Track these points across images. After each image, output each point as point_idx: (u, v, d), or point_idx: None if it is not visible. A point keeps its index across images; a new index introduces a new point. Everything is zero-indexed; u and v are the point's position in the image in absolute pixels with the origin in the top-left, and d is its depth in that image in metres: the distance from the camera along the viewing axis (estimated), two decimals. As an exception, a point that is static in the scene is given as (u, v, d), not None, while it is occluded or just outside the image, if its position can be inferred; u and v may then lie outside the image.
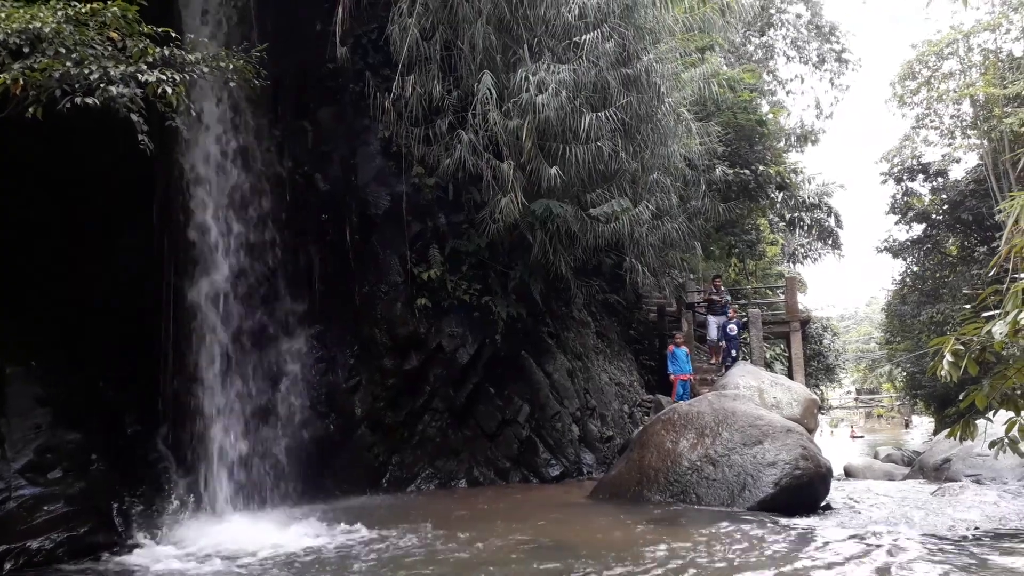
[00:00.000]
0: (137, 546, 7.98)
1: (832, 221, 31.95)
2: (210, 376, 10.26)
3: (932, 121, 32.01)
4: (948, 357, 6.19)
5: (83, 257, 9.70)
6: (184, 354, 10.28)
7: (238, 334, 10.74)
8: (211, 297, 10.51)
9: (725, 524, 7.96)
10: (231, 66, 8.95)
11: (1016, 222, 6.16)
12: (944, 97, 30.46)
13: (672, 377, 17.06)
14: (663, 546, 7.01)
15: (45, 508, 7.54)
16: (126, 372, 9.91)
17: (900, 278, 34.76)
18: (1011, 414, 6.64)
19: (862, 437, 42.32)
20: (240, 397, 10.51)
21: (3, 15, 7.25)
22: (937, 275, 32.26)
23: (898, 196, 33.37)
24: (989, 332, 5.96)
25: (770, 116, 26.63)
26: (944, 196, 31.42)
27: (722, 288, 19.93)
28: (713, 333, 19.28)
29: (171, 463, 9.96)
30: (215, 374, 10.30)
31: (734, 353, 18.96)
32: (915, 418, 49.92)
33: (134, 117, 7.42)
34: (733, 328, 19.05)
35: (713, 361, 19.45)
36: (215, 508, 9.72)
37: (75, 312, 9.47)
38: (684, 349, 17.50)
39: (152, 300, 10.36)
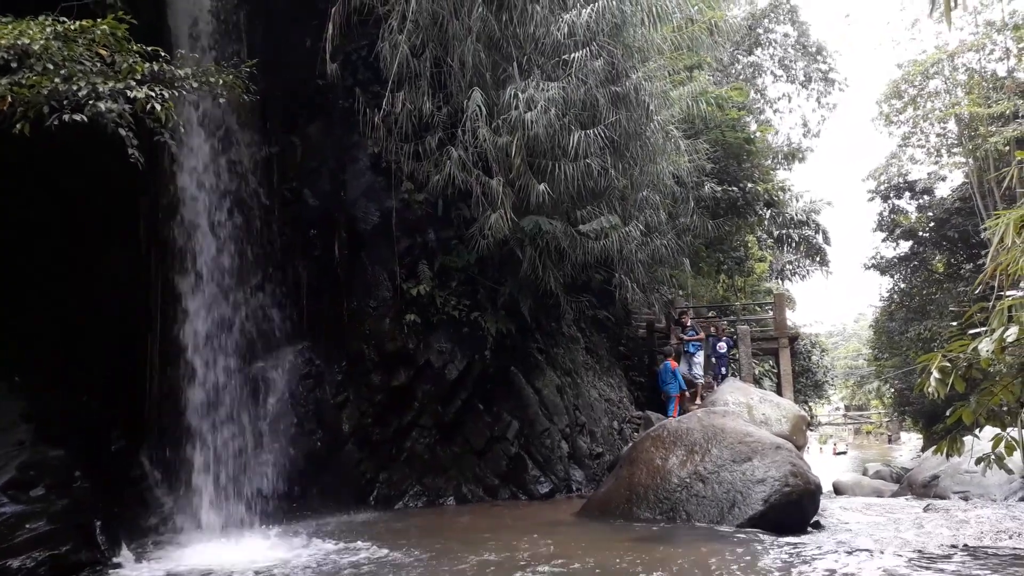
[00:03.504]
0: (121, 565, 7.86)
1: (820, 238, 32.16)
2: (196, 392, 10.17)
3: (918, 139, 32.40)
4: (935, 374, 6.20)
5: (69, 271, 9.62)
6: (169, 370, 10.20)
7: (225, 349, 10.67)
8: (198, 312, 10.44)
9: (714, 542, 7.93)
10: (220, 82, 8.96)
11: (1002, 240, 6.19)
12: (930, 116, 30.85)
13: (674, 395, 17.16)
14: (652, 565, 6.98)
15: (27, 526, 7.42)
16: (111, 388, 9.81)
17: (887, 295, 35.05)
18: (998, 430, 6.65)
19: (845, 453, 42.42)
20: (226, 413, 10.42)
21: (-9, 30, 7.24)
22: (924, 292, 32.52)
23: (885, 213, 33.71)
24: (976, 349, 5.97)
25: (758, 134, 26.84)
26: (930, 214, 31.74)
27: (689, 323, 19.63)
28: (685, 369, 18.62)
29: (156, 480, 9.86)
30: (201, 389, 10.22)
31: (723, 371, 18.94)
32: (902, 434, 50.08)
33: (123, 132, 7.39)
34: (722, 347, 19.06)
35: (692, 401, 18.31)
36: (200, 526, 9.61)
37: (60, 327, 9.39)
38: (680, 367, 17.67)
39: (138, 314, 10.29)
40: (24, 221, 9.19)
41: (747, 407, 15.41)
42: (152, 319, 10.33)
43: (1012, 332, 5.66)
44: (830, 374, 40.76)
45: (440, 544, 8.41)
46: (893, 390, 37.02)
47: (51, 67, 7.27)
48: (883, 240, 34.06)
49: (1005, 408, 6.62)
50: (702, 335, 19.40)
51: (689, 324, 19.46)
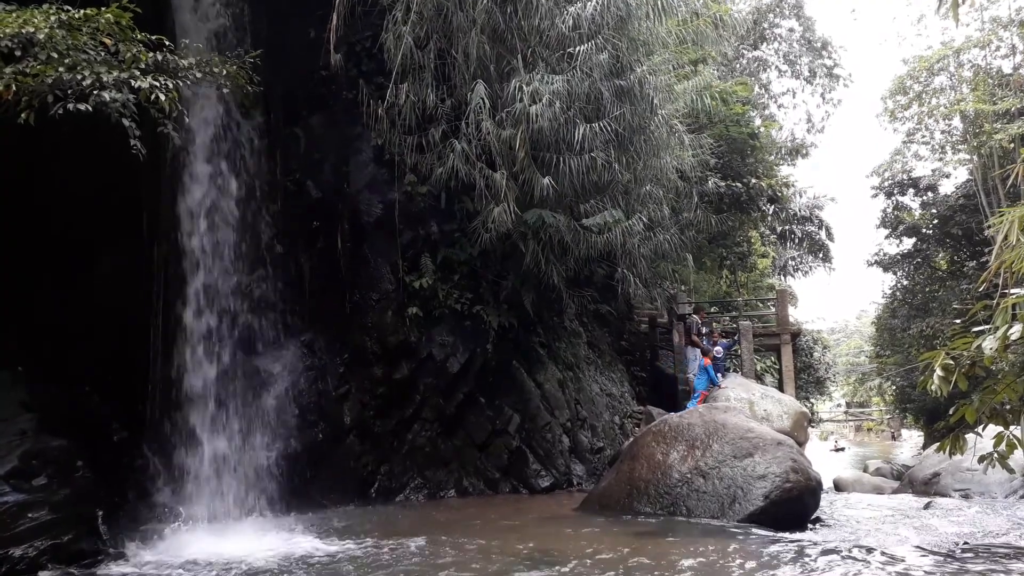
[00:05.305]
0: (122, 554, 7.89)
1: (823, 234, 32.06)
2: (198, 383, 10.18)
3: (923, 136, 32.24)
4: (938, 371, 6.19)
5: (72, 262, 9.63)
6: (172, 361, 10.21)
7: (227, 341, 10.67)
8: (200, 303, 10.44)
9: (714, 538, 7.94)
10: (224, 72, 8.95)
11: (1005, 237, 6.17)
12: (935, 112, 30.69)
13: (700, 390, 17.13)
14: (651, 560, 6.98)
15: (29, 515, 7.44)
16: (113, 379, 9.83)
17: (890, 292, 34.93)
18: (1000, 429, 6.65)
19: (843, 450, 42.41)
20: (228, 405, 10.43)
21: (-5, 19, 7.23)
22: (927, 289, 32.43)
23: (888, 210, 33.59)
24: (979, 347, 5.96)
25: (762, 129, 26.73)
26: (934, 211, 31.66)
27: (706, 318, 19.90)
28: (694, 368, 18.44)
29: (157, 471, 9.88)
30: (203, 381, 10.22)
31: (718, 376, 18.89)
32: (903, 431, 50.06)
33: (126, 122, 7.38)
34: (719, 350, 19.05)
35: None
36: (201, 516, 9.62)
37: (63, 317, 9.39)
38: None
39: (140, 306, 10.29)
40: (27, 212, 9.19)
41: (749, 403, 15.41)
42: (154, 310, 10.32)
43: (1016, 330, 5.65)
44: (832, 371, 40.70)
45: (441, 537, 8.42)
46: (895, 387, 36.94)
47: (55, 56, 7.26)
48: (886, 237, 33.97)
49: (1008, 406, 6.61)
50: (706, 330, 19.46)
51: (701, 322, 19.67)
